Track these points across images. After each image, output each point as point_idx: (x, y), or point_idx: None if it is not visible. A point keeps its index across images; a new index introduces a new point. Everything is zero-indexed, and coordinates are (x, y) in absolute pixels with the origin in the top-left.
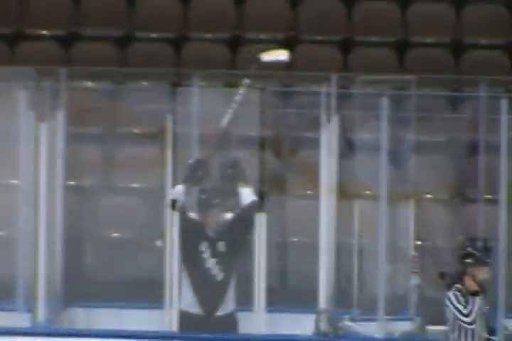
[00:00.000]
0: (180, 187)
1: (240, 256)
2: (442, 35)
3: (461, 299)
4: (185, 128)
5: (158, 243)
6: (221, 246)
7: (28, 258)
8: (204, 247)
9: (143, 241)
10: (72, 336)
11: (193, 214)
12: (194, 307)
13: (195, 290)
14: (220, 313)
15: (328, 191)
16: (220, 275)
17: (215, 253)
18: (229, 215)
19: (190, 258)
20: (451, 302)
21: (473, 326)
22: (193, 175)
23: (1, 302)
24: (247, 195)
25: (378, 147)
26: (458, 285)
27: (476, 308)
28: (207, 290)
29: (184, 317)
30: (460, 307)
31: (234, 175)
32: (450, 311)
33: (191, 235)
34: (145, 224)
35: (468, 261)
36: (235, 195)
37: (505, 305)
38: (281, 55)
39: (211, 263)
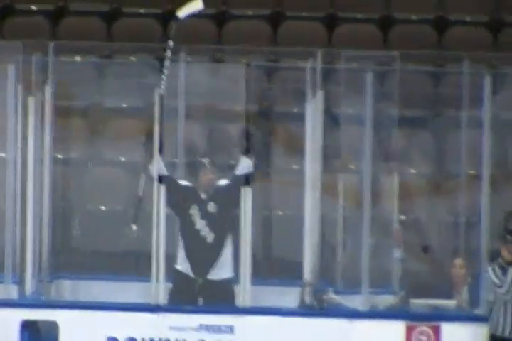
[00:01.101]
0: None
1: (231, 220)
2: (426, 12)
3: (498, 271)
4: (172, 102)
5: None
6: (211, 207)
7: (16, 230)
8: (195, 210)
9: (129, 213)
10: (60, 308)
11: (183, 181)
12: (188, 271)
13: (187, 254)
14: (212, 277)
15: (312, 165)
16: (210, 237)
17: (204, 215)
18: (222, 181)
19: (183, 223)
20: (490, 275)
21: (508, 296)
22: None
23: None
24: (245, 166)
25: (363, 122)
26: (497, 259)
27: (509, 279)
28: (198, 252)
29: (179, 277)
30: (495, 279)
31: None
32: (490, 283)
33: (182, 200)
34: (131, 197)
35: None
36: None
37: None
38: (195, 5)
39: (200, 224)
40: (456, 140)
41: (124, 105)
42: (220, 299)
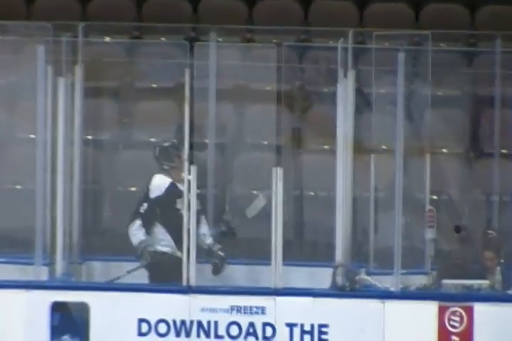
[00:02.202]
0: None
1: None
2: None
3: None
4: (203, 83)
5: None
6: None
7: (46, 212)
8: (180, 204)
9: None
10: (91, 289)
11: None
12: (174, 251)
13: (173, 236)
14: None
15: (344, 145)
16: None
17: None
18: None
19: (170, 216)
20: None
21: None
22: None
23: (19, 255)
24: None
25: (394, 102)
26: None
27: None
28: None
29: (165, 258)
30: None
31: None
32: None
33: (169, 195)
34: None
35: None
36: None
37: None
38: (261, 202)
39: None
40: (488, 119)
41: (154, 86)
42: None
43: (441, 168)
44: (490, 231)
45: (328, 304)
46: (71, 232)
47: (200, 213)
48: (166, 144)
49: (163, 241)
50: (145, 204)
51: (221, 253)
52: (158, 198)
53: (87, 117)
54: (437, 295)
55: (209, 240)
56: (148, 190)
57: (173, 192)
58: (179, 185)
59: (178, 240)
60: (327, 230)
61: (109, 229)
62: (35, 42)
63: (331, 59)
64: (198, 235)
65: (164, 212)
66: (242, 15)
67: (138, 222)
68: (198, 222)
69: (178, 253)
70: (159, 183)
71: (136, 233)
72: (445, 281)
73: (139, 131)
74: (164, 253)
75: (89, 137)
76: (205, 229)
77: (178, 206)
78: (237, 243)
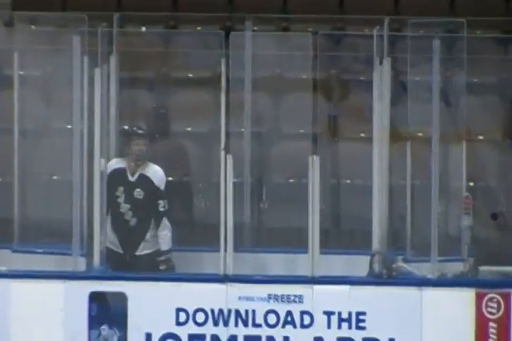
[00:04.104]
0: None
1: (155, 207)
2: None
3: None
4: (239, 73)
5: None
6: (138, 193)
7: (83, 202)
8: (119, 192)
9: (197, 183)
10: (128, 279)
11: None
12: (116, 247)
13: (114, 231)
14: (139, 253)
15: (380, 133)
16: (133, 221)
17: (129, 199)
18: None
19: (109, 202)
20: None
21: None
22: None
23: (57, 246)
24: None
25: (430, 89)
26: None
27: None
28: (123, 233)
29: (108, 254)
30: None
31: None
32: None
33: (111, 180)
34: (199, 167)
35: None
36: None
37: None
38: None
39: (124, 208)
40: None
41: (191, 76)
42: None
43: (478, 155)
44: None
45: (366, 292)
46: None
47: (163, 214)
48: (126, 128)
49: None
50: None
51: (161, 267)
52: (105, 182)
53: (123, 108)
54: (474, 282)
55: (163, 246)
56: None
57: (115, 178)
58: (129, 175)
59: (114, 227)
60: (364, 218)
61: None
62: (71, 33)
63: (367, 47)
64: (158, 236)
65: (107, 197)
66: (277, 4)
67: None
68: (159, 224)
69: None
70: (108, 166)
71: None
72: (482, 268)
73: (175, 121)
74: (108, 248)
75: (126, 127)
76: (165, 231)
77: (117, 193)
78: (274, 232)
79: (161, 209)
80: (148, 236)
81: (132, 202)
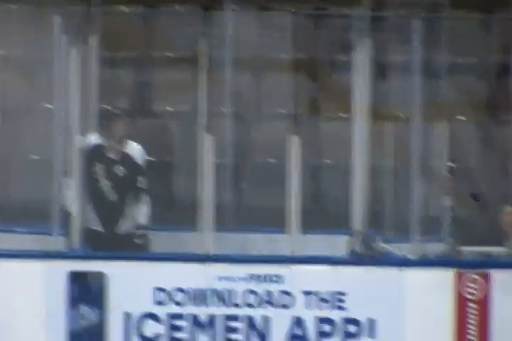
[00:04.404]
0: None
1: (135, 183)
2: None
3: None
4: (219, 52)
5: None
6: (119, 170)
7: (64, 182)
8: (99, 168)
9: (177, 163)
10: (107, 259)
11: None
12: (96, 225)
13: (94, 209)
14: (119, 231)
15: (361, 113)
16: (114, 197)
17: (110, 176)
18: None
19: (87, 179)
20: None
21: None
22: None
23: (37, 225)
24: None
25: (411, 69)
26: None
27: None
28: (103, 209)
29: (88, 233)
30: None
31: None
32: None
33: (89, 156)
34: (179, 147)
35: None
36: None
37: None
38: None
39: (104, 184)
40: (505, 86)
41: (171, 55)
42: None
43: (459, 135)
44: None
45: (346, 272)
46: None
47: (142, 190)
48: (103, 108)
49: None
50: None
51: (137, 241)
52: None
53: (104, 87)
54: (455, 262)
55: (140, 220)
56: None
57: (93, 154)
58: (108, 152)
59: (93, 203)
60: (344, 198)
61: None
62: (51, 12)
63: (347, 26)
64: (136, 211)
65: (84, 173)
66: None
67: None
68: (137, 199)
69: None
70: (86, 142)
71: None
72: (462, 248)
73: (156, 100)
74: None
75: (107, 108)
76: (143, 206)
77: (97, 170)
78: (254, 211)
79: (139, 185)
80: (126, 212)
81: (113, 179)
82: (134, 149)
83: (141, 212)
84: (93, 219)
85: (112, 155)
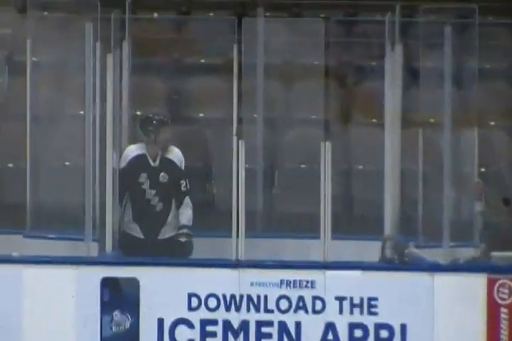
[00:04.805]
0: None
1: (178, 188)
2: None
3: None
4: (251, 59)
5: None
6: (163, 177)
7: (96, 188)
8: (143, 179)
9: (210, 169)
10: (140, 265)
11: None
12: (136, 232)
13: (135, 218)
14: (161, 237)
15: (392, 119)
16: (159, 206)
17: (154, 184)
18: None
19: (132, 189)
20: None
21: None
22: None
23: (69, 231)
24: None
25: (442, 75)
26: None
27: None
28: (148, 218)
29: (126, 239)
30: None
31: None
32: None
33: (134, 168)
34: (212, 154)
35: None
36: None
37: None
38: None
39: (150, 194)
40: None
41: (203, 62)
42: (170, 254)
43: (490, 141)
44: None
45: (378, 277)
46: (120, 208)
47: (185, 193)
48: (148, 115)
49: (129, 222)
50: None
51: (182, 239)
52: (123, 170)
53: (136, 94)
54: (486, 267)
55: (184, 221)
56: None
57: (137, 165)
58: (150, 160)
59: (138, 214)
60: (376, 203)
61: None
62: (83, 19)
63: (379, 33)
64: (179, 213)
65: (128, 185)
66: None
67: None
68: (181, 203)
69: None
70: (126, 153)
71: None
72: (494, 253)
73: (188, 107)
74: (126, 234)
75: (138, 113)
76: (187, 209)
77: (141, 180)
78: (286, 217)
79: (184, 189)
80: (169, 218)
81: (157, 186)
82: (176, 154)
83: (185, 214)
84: (133, 225)
85: (155, 163)
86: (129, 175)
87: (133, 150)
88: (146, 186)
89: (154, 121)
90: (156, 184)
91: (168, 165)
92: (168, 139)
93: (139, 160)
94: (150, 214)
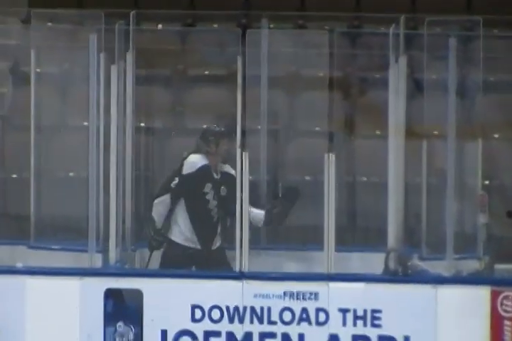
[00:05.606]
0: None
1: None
2: None
3: None
4: (255, 70)
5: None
6: (223, 190)
7: (99, 199)
8: (208, 189)
9: None
10: (144, 276)
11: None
12: (192, 243)
13: (194, 228)
14: (214, 247)
15: (396, 131)
16: (216, 217)
17: (216, 196)
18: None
19: (195, 199)
20: None
21: None
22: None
23: (73, 242)
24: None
25: (446, 87)
26: None
27: None
28: (206, 228)
29: (182, 250)
30: None
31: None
32: None
33: (199, 177)
34: None
35: None
36: None
37: None
38: None
39: (212, 204)
40: None
41: (207, 73)
42: (219, 264)
43: (494, 153)
44: None
45: (381, 289)
46: (124, 219)
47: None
48: (210, 127)
49: (181, 232)
50: (176, 179)
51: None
52: (189, 175)
53: (140, 105)
54: (490, 280)
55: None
56: (181, 165)
57: (204, 174)
58: (213, 172)
59: (198, 224)
60: (379, 215)
61: None
62: (88, 30)
63: (383, 45)
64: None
65: (191, 192)
66: (293, 1)
67: (165, 197)
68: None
69: (196, 245)
70: (194, 161)
71: (160, 209)
72: (498, 266)
73: (192, 118)
74: (176, 244)
75: (142, 124)
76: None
77: (206, 190)
78: (290, 229)
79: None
80: (219, 229)
81: (219, 199)
82: (231, 169)
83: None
84: (192, 237)
85: (217, 176)
86: (195, 183)
87: (200, 159)
88: (210, 197)
89: (215, 132)
90: (217, 195)
91: (228, 179)
92: (228, 151)
93: (206, 170)
94: (209, 224)
